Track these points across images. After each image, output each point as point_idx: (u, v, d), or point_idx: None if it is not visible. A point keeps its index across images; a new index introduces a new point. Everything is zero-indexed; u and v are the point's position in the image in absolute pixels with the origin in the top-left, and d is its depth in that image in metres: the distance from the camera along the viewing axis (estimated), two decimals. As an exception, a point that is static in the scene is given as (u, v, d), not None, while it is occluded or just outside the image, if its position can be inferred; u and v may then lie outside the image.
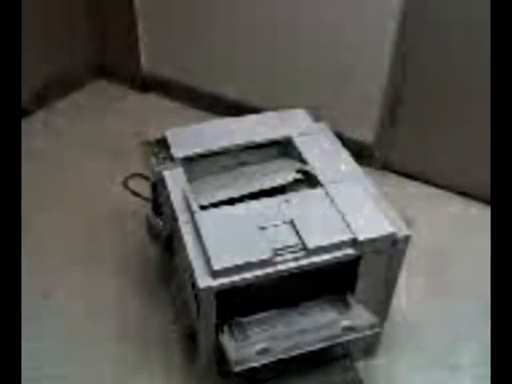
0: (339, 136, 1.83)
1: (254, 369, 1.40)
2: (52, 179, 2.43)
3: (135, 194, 1.94)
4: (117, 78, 3.05)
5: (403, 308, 1.90)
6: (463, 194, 2.41)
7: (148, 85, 3.00)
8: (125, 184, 1.95)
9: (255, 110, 1.91)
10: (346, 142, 1.83)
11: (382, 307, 1.63)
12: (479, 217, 2.31)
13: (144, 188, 1.85)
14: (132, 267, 2.03)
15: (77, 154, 2.57)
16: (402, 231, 1.47)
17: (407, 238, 1.47)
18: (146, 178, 1.77)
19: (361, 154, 2.30)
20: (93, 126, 2.77)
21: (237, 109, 2.60)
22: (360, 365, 1.70)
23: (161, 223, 1.72)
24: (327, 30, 2.36)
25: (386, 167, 2.53)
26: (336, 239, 1.41)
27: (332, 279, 1.55)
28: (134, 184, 1.96)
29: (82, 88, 3.03)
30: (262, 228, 1.43)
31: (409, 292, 1.93)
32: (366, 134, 2.49)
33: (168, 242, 1.72)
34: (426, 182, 2.48)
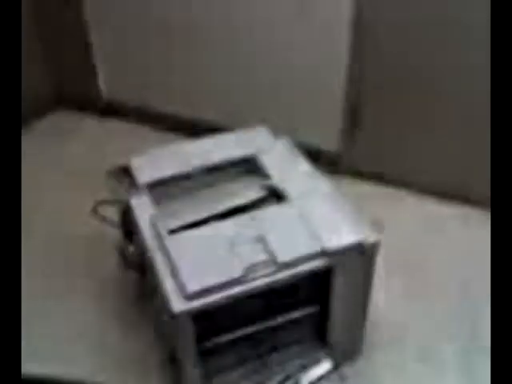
0: (303, 146, 1.85)
1: None
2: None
3: (105, 221, 1.93)
4: (77, 105, 3.03)
5: (383, 308, 1.92)
6: (435, 193, 2.42)
7: (108, 110, 2.98)
8: (94, 211, 1.93)
9: (214, 129, 1.92)
10: (311, 152, 1.85)
11: (359, 313, 1.65)
12: (451, 216, 2.34)
13: (114, 213, 1.85)
14: (110, 293, 2.02)
15: (42, 181, 2.55)
16: (371, 237, 1.49)
17: (376, 244, 1.50)
18: (115, 203, 1.77)
19: (326, 161, 2.32)
20: (55, 153, 2.75)
21: (196, 128, 2.62)
22: (343, 366, 1.72)
23: (132, 250, 1.72)
24: (283, 39, 2.38)
25: (352, 172, 2.53)
26: (305, 251, 1.42)
27: (308, 291, 1.56)
28: (104, 209, 1.95)
29: (42, 117, 2.99)
30: (232, 246, 1.43)
31: (387, 293, 1.95)
32: (329, 141, 2.51)
33: (142, 268, 1.71)
34: (395, 183, 2.47)
